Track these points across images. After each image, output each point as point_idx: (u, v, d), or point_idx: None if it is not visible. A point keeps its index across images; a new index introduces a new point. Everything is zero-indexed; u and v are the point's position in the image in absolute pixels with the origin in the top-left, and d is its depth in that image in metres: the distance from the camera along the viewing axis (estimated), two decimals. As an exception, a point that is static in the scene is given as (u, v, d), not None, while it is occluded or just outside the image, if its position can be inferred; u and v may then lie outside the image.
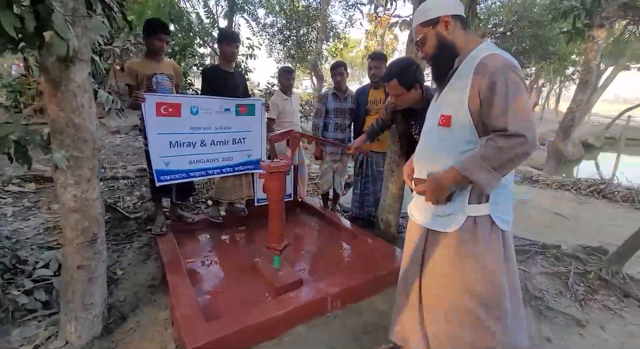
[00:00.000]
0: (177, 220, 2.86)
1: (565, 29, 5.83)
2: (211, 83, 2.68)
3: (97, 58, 2.96)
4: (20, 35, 1.20)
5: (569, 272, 2.46)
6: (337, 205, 3.70)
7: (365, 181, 3.11)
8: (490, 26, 9.85)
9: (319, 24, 8.45)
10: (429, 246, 1.29)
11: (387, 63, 2.97)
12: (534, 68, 12.29)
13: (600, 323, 2.01)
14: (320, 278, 2.24)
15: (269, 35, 9.72)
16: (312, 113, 6.01)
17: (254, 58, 6.20)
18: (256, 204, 3.07)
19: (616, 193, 4.54)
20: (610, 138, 17.73)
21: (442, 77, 1.26)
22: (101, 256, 1.69)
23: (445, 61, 1.24)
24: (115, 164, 5.26)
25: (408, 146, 2.28)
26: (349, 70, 3.37)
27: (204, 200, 3.87)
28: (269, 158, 3.20)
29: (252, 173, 3.02)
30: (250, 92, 3.69)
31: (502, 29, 10.22)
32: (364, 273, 2.16)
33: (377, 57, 2.94)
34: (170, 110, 2.53)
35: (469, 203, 1.18)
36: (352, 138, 3.34)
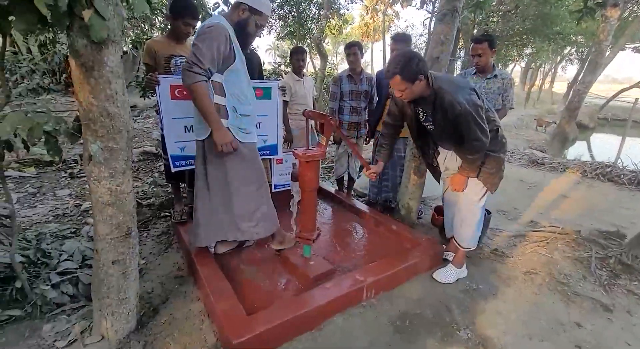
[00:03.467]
0: (195, 208, 2.77)
1: (575, 9, 5.69)
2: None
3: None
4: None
5: (590, 257, 2.50)
6: (352, 190, 3.65)
7: (384, 166, 3.04)
8: (494, 4, 9.58)
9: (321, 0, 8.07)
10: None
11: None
12: (528, 50, 12.04)
13: (626, 308, 2.06)
14: (351, 266, 2.23)
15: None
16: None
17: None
18: (274, 190, 3.01)
19: (622, 176, 4.60)
20: (603, 119, 17.82)
21: None
22: (134, 250, 1.63)
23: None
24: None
25: (418, 133, 2.22)
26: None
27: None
28: (285, 142, 3.12)
29: (270, 159, 2.93)
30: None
31: (504, 7, 9.98)
32: (394, 260, 2.14)
33: (400, 39, 2.80)
34: (185, 93, 2.41)
35: None
36: (367, 123, 3.25)
